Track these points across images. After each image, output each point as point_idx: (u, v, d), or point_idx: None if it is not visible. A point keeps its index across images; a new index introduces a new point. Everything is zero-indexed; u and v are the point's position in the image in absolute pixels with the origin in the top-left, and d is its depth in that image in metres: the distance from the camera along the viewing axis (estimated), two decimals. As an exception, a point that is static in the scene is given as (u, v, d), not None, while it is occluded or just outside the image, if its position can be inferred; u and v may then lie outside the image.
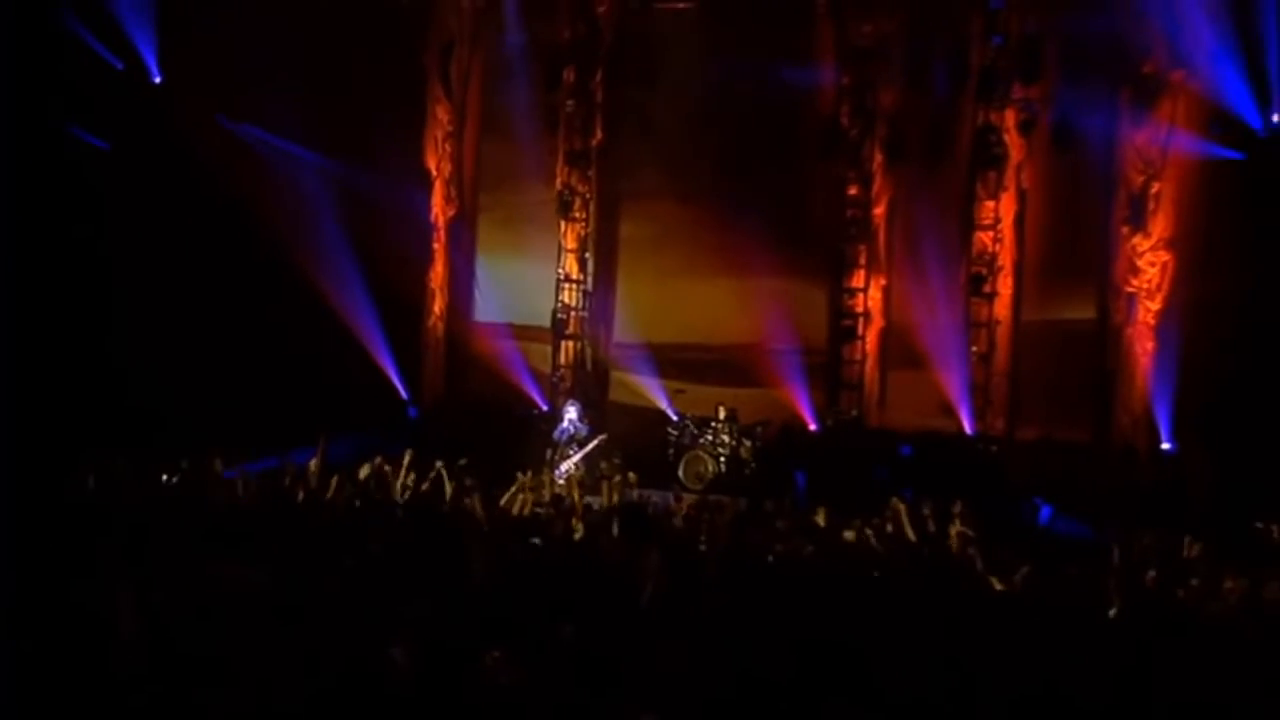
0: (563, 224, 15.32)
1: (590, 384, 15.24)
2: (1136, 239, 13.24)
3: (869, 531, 8.07)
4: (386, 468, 9.99)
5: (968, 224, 13.97)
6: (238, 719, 4.52)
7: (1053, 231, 13.78)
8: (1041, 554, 8.09)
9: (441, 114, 15.59)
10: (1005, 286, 13.90)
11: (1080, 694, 5.12)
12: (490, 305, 15.92)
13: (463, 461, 10.36)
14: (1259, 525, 9.39)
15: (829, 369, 14.59)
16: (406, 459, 9.97)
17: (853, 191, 14.45)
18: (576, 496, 9.50)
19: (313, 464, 9.61)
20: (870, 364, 14.51)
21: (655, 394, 14.77)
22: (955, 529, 8.66)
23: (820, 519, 8.93)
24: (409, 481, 9.75)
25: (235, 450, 10.15)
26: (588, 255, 15.48)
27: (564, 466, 12.77)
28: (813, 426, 14.35)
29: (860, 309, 14.48)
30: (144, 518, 7.96)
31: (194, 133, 13.30)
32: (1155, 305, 13.10)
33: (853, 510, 9.26)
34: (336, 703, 4.60)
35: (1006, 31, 13.63)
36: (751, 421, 14.00)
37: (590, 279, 15.53)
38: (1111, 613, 6.72)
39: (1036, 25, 13.54)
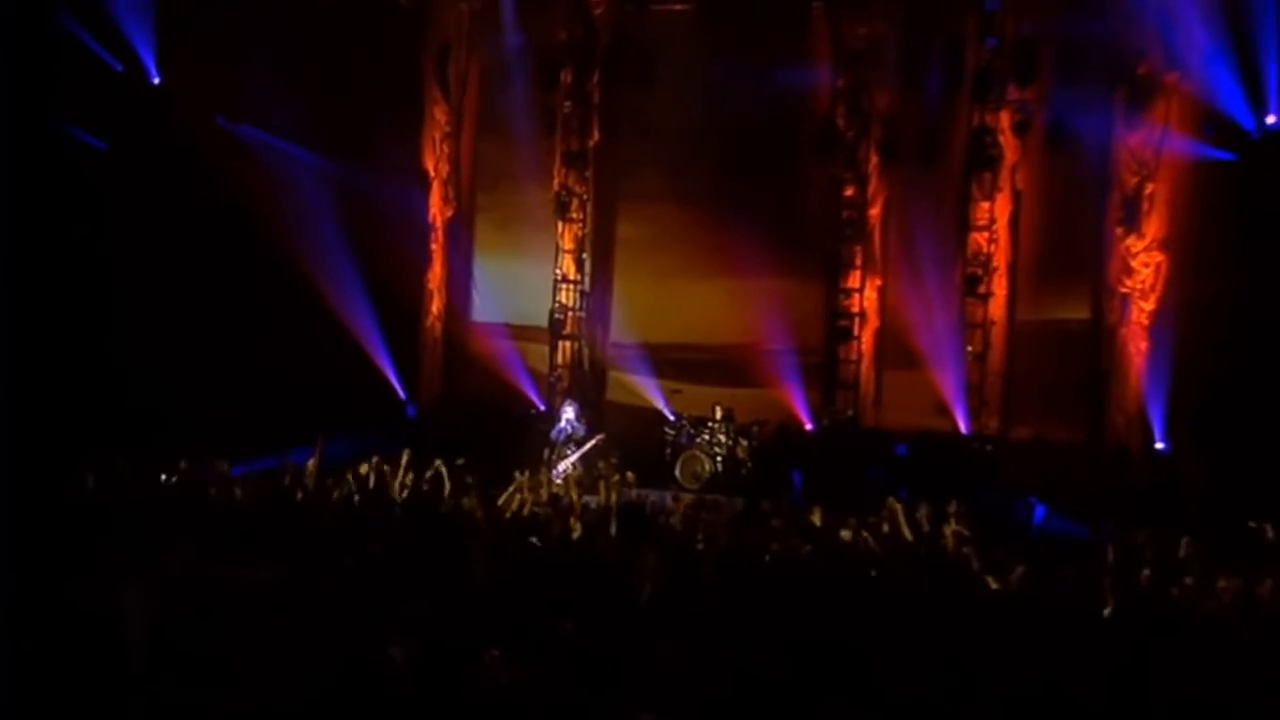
0: (560, 224, 15.34)
1: (588, 384, 15.26)
2: (1130, 240, 13.30)
3: (865, 534, 8.09)
4: (386, 467, 10.04)
5: (963, 225, 14.03)
6: (238, 718, 4.56)
7: (1047, 232, 13.83)
8: (1036, 553, 8.15)
9: (439, 115, 15.62)
10: (1000, 287, 13.95)
11: (1076, 692, 5.17)
12: (488, 305, 15.94)
13: (460, 461, 10.41)
14: (1252, 524, 9.35)
15: (825, 369, 14.63)
16: (404, 459, 10.02)
17: (848, 192, 14.52)
18: (575, 496, 9.54)
19: (310, 464, 9.64)
20: (866, 364, 14.56)
21: (652, 394, 14.79)
22: (950, 528, 8.71)
23: (816, 518, 8.99)
24: (407, 481, 9.79)
25: (234, 450, 10.19)
26: (585, 256, 15.50)
27: (561, 466, 12.80)
28: (809, 426, 14.39)
29: (856, 309, 14.54)
30: (143, 517, 8.00)
31: (193, 133, 13.27)
32: (1149, 305, 13.16)
33: (849, 509, 9.31)
34: (336, 701, 4.66)
35: (1001, 33, 13.70)
36: (748, 421, 14.03)
37: (587, 279, 15.54)
38: (1106, 612, 6.77)
39: (1031, 27, 13.59)
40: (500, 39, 15.36)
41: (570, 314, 15.40)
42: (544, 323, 15.32)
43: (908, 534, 8.64)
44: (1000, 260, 13.94)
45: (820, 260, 14.76)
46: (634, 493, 9.99)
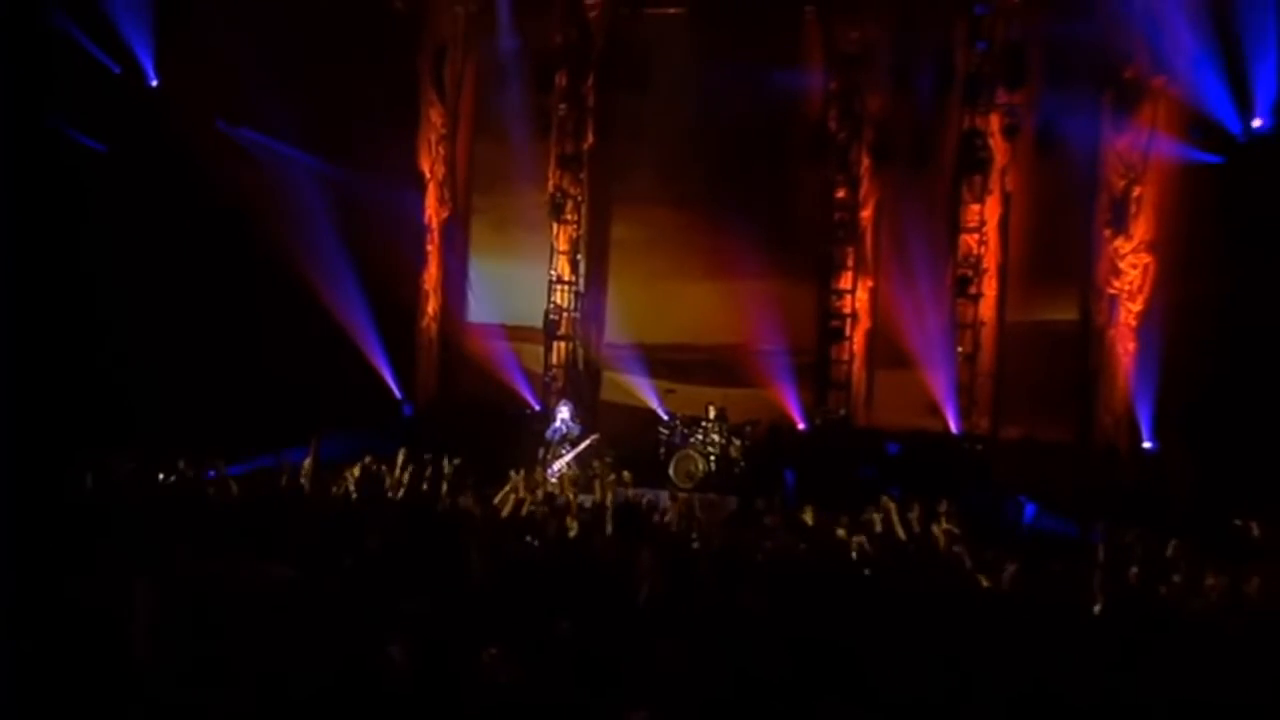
0: (555, 226, 15.37)
1: (582, 384, 15.30)
2: (1118, 242, 13.40)
3: (858, 539, 8.16)
4: (382, 467, 10.11)
5: (953, 227, 14.12)
6: (238, 718, 4.62)
7: (1036, 234, 13.93)
8: (1026, 551, 8.22)
9: (435, 117, 15.67)
10: (990, 288, 14.06)
11: (1067, 689, 5.24)
12: (483, 306, 15.95)
13: (456, 461, 10.47)
14: (1238, 523, 9.46)
15: (817, 369, 14.70)
16: (400, 458, 10.09)
17: (840, 194, 14.58)
18: (571, 495, 9.62)
19: (306, 464, 9.70)
20: (857, 364, 14.65)
21: (646, 394, 14.86)
22: (941, 527, 8.80)
23: (808, 518, 9.07)
24: (403, 480, 9.85)
25: (231, 450, 10.24)
26: (579, 257, 15.53)
27: (556, 466, 12.88)
28: (801, 426, 14.48)
29: (848, 310, 14.62)
30: (143, 517, 8.04)
31: (190, 135, 13.29)
32: (1137, 307, 13.26)
33: (841, 508, 9.40)
34: (335, 700, 4.66)
35: (991, 37, 13.79)
36: (741, 421, 14.10)
37: (582, 280, 15.59)
38: (1096, 609, 6.85)
39: (1020, 31, 13.71)
40: (496, 42, 15.37)
41: (565, 315, 15.45)
42: (539, 323, 15.36)
43: (900, 533, 8.71)
44: (990, 262, 14.04)
45: (812, 261, 14.83)
46: (630, 492, 10.05)
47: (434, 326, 15.96)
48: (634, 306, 15.51)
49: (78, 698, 4.65)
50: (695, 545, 8.17)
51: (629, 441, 13.87)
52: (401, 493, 9.63)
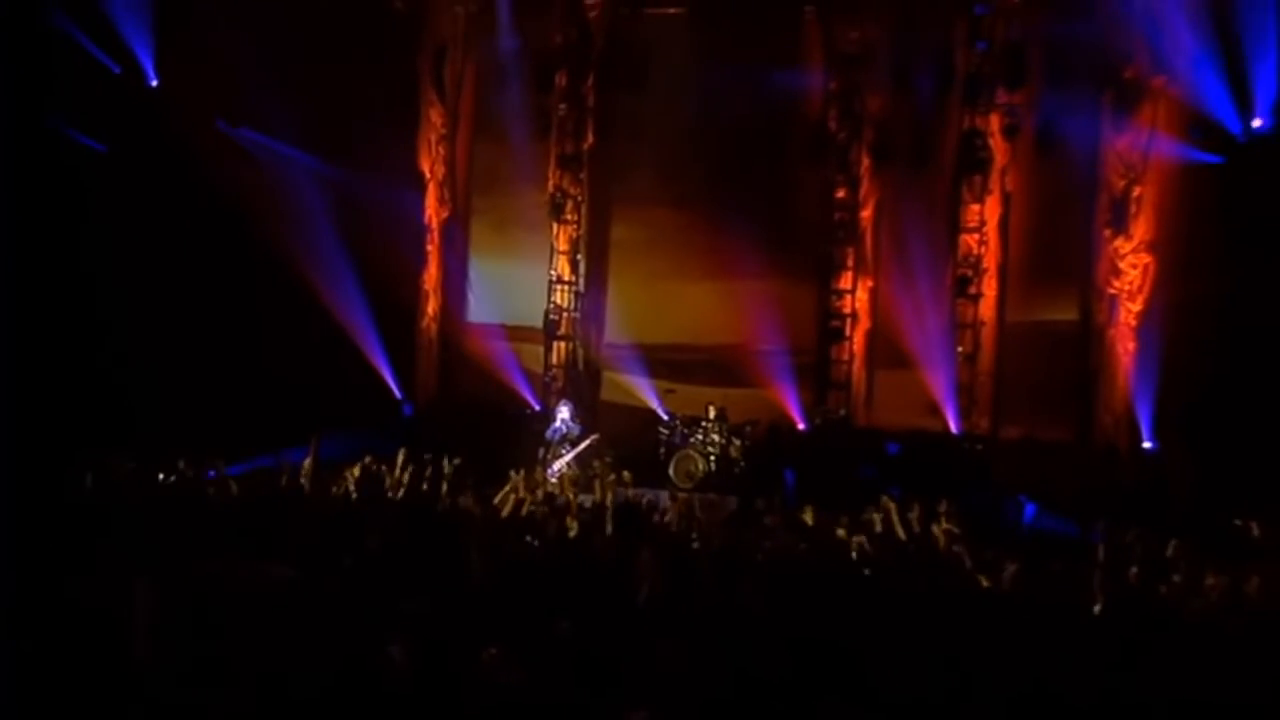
0: (555, 226, 15.39)
1: (582, 384, 15.31)
2: (1118, 242, 13.42)
3: (858, 539, 8.16)
4: (382, 467, 10.11)
5: (953, 227, 14.14)
6: (238, 718, 4.62)
7: (1036, 234, 13.95)
8: (1026, 551, 8.23)
9: (435, 117, 15.69)
10: (990, 288, 14.08)
11: (1067, 689, 5.24)
12: (483, 306, 15.97)
13: (456, 461, 10.48)
14: (1238, 522, 9.50)
15: (817, 369, 14.71)
16: (400, 457, 10.10)
17: (840, 194, 14.60)
18: (571, 495, 9.62)
19: (306, 464, 9.71)
20: (857, 364, 14.66)
21: (646, 394, 14.87)
22: (941, 527, 8.81)
23: (808, 518, 9.08)
24: (403, 480, 9.86)
25: (231, 450, 10.25)
26: (579, 257, 15.55)
27: (556, 466, 12.89)
28: (801, 425, 14.49)
29: (848, 310, 14.64)
30: (143, 517, 8.04)
31: (190, 136, 13.32)
32: (1136, 307, 13.29)
33: (841, 508, 9.41)
34: (335, 700, 4.67)
35: (991, 37, 13.82)
36: (741, 421, 14.12)
37: (582, 280, 15.61)
38: (1096, 609, 6.85)
39: (1020, 31, 13.73)
40: (496, 42, 15.38)
41: (565, 315, 15.46)
42: (539, 323, 15.37)
43: (901, 533, 8.71)
44: (990, 262, 14.06)
45: (812, 262, 14.85)
46: (630, 492, 10.06)
47: (434, 326, 15.98)
48: (634, 306, 15.53)
49: (78, 698, 4.65)
50: (695, 545, 8.17)
51: (629, 441, 13.89)
52: (401, 493, 9.64)
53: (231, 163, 13.68)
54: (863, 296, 14.69)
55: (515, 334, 15.67)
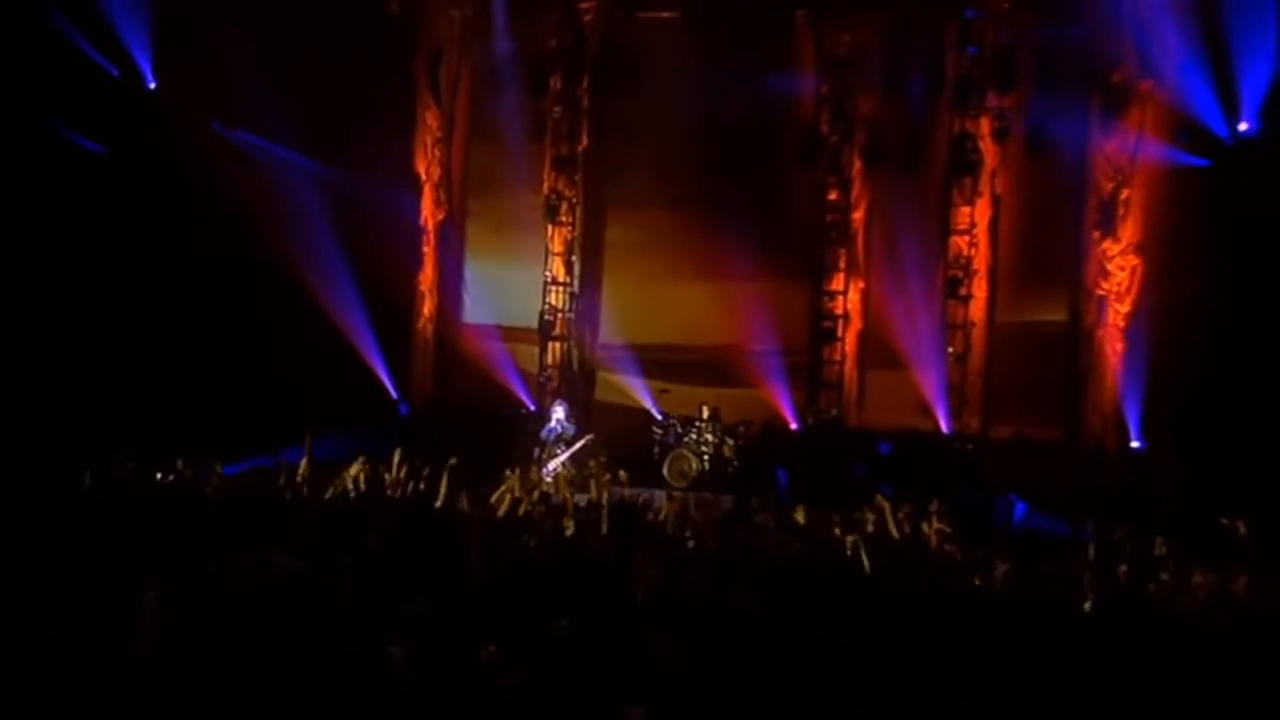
0: (549, 228, 15.45)
1: (577, 384, 15.36)
2: (1107, 244, 13.51)
3: (851, 539, 8.24)
4: (380, 466, 10.16)
5: (944, 229, 14.22)
6: (238, 718, 4.66)
7: (1026, 236, 14.03)
8: (1016, 550, 8.32)
9: (431, 120, 15.73)
10: (980, 289, 14.15)
11: (1058, 686, 5.29)
12: (479, 307, 15.99)
13: (452, 461, 10.54)
14: (1225, 521, 9.52)
15: (809, 369, 14.79)
16: (396, 458, 10.16)
17: (832, 196, 14.71)
18: (567, 494, 9.69)
19: (303, 464, 9.76)
20: (849, 364, 14.73)
21: (640, 394, 14.91)
22: (933, 526, 8.90)
23: (800, 517, 9.16)
24: (400, 479, 9.92)
25: (229, 450, 10.30)
26: (574, 258, 15.60)
27: (551, 465, 12.95)
28: (793, 425, 14.54)
29: (840, 311, 14.72)
30: (142, 517, 8.09)
31: (188, 137, 13.36)
32: (1125, 308, 13.37)
33: (833, 507, 9.50)
34: (335, 700, 4.70)
35: (981, 41, 13.91)
36: (734, 421, 14.15)
37: (576, 282, 15.66)
38: (1085, 607, 6.93)
39: (1010, 35, 13.81)
40: (491, 45, 15.42)
41: (560, 315, 15.51)
42: (534, 324, 15.41)
43: (894, 532, 8.79)
44: (980, 263, 14.13)
45: (805, 263, 14.92)
46: (625, 491, 10.11)
47: (430, 327, 16.01)
48: (628, 307, 15.58)
49: (78, 698, 4.67)
50: (690, 544, 8.23)
51: (624, 441, 13.93)
52: (398, 492, 9.69)
53: (228, 164, 13.70)
54: (854, 297, 14.77)
55: (510, 334, 15.69)
